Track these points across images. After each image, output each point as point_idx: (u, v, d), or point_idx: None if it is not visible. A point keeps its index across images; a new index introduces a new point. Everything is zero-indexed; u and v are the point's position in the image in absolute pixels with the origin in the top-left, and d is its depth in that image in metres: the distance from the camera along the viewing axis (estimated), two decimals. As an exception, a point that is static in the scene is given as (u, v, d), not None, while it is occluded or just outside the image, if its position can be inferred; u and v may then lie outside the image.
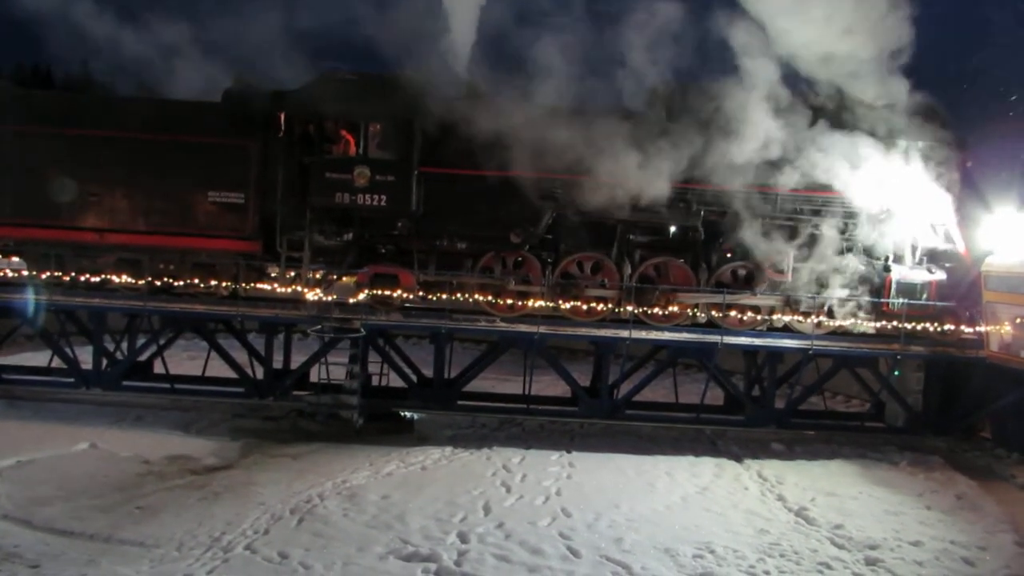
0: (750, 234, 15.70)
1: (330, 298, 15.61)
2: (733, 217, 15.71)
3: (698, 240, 16.25)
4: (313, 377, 16.14)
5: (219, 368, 17.07)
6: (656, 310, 16.07)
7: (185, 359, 19.64)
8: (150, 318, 16.77)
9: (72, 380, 16.61)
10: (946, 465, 14.94)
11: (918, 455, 15.30)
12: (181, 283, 15.99)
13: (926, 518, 12.34)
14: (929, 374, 16.40)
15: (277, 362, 17.00)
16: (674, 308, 16.08)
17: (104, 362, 16.63)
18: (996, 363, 15.18)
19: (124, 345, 17.39)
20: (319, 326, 15.27)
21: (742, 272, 16.37)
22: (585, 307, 15.97)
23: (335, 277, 16.05)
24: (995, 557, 11.04)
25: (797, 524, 11.94)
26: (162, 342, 16.95)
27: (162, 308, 16.09)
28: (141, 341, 17.10)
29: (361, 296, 15.84)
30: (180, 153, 15.61)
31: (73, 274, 16.09)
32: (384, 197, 15.45)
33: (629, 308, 15.84)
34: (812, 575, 10.32)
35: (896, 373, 16.44)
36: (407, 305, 16.29)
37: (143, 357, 17.19)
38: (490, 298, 16.16)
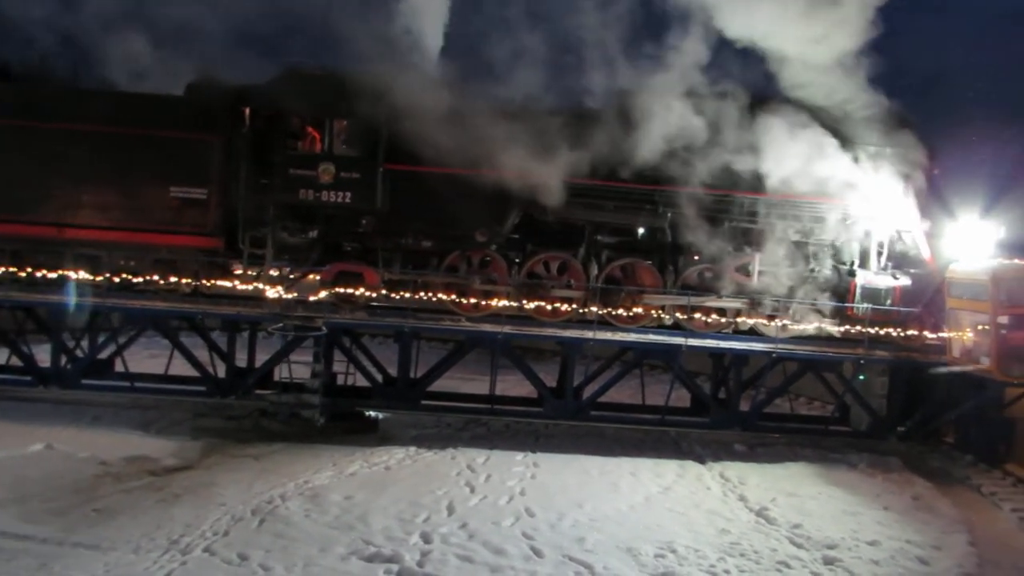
0: (717, 237, 15.80)
1: (291, 295, 15.43)
2: (700, 220, 15.78)
3: (665, 242, 16.31)
4: (277, 376, 15.96)
5: (183, 367, 16.83)
6: (621, 311, 16.12)
7: (146, 357, 19.33)
8: (109, 315, 16.48)
9: (29, 379, 16.26)
10: (903, 467, 15.18)
11: (876, 457, 15.50)
12: (141, 279, 15.74)
13: (883, 518, 12.53)
14: (893, 379, 16.45)
15: (241, 360, 16.79)
16: (639, 309, 16.13)
17: (64, 359, 16.34)
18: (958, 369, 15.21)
19: (85, 343, 17.08)
20: (280, 324, 15.10)
21: (708, 274, 16.39)
22: (550, 307, 15.97)
23: (299, 275, 15.89)
24: (949, 556, 11.26)
25: (758, 524, 12.08)
26: (122, 340, 16.67)
27: (122, 305, 15.83)
28: (102, 339, 16.81)
29: (323, 294, 15.69)
30: (141, 147, 15.39)
31: (30, 270, 15.77)
32: (349, 194, 15.36)
33: (594, 309, 15.86)
34: (771, 574, 10.45)
35: (861, 377, 16.50)
36: (373, 304, 16.18)
37: (103, 355, 16.89)
38: (454, 297, 16.10)
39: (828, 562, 10.83)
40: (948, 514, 12.93)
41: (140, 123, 15.36)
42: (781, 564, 10.68)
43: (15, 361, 16.43)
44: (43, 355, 16.51)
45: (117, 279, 15.68)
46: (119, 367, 16.90)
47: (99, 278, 15.59)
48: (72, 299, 15.34)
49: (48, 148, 15.38)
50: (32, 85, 16.28)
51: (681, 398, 17.46)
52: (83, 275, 15.64)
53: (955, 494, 14.02)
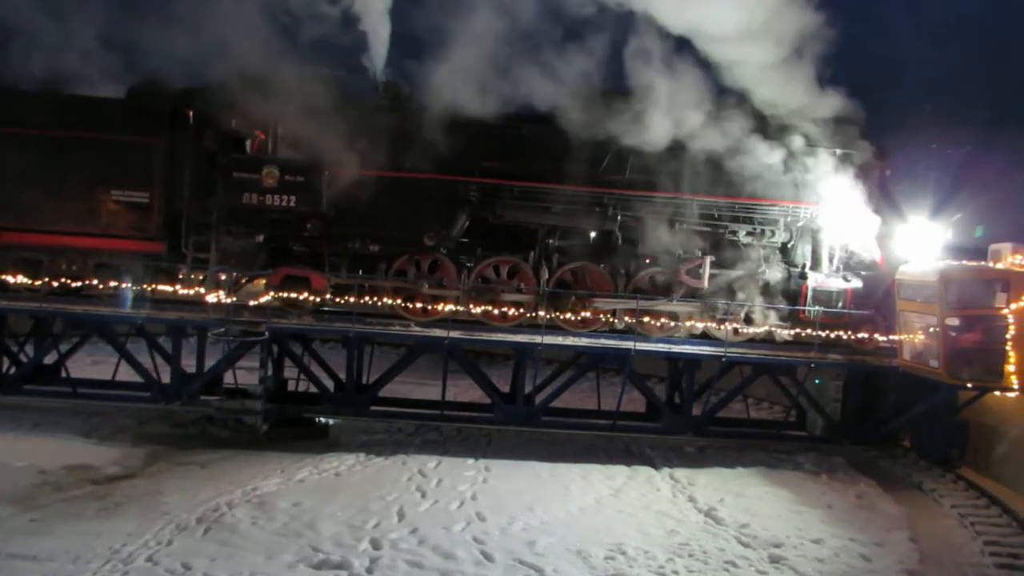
0: (667, 240, 15.87)
1: (231, 300, 15.15)
2: (650, 223, 15.88)
3: (616, 245, 16.35)
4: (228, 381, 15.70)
5: (130, 373, 16.42)
6: (569, 315, 16.11)
7: (89, 364, 18.86)
8: (51, 320, 16.08)
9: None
10: (848, 466, 15.41)
11: (822, 457, 15.70)
12: (79, 284, 15.42)
13: (827, 517, 12.75)
14: (848, 382, 16.47)
15: (190, 367, 16.47)
16: (587, 314, 16.14)
17: (7, 365, 15.95)
18: (909, 372, 15.26)
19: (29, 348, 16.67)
20: (222, 329, 14.84)
21: (660, 278, 16.41)
22: (497, 312, 15.91)
23: (243, 280, 15.62)
24: (891, 553, 11.50)
25: (706, 524, 12.22)
26: (63, 346, 16.25)
27: (63, 310, 15.46)
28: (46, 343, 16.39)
29: (264, 299, 15.45)
30: (82, 150, 15.14)
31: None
32: (293, 198, 15.18)
33: (543, 313, 15.82)
34: (720, 574, 10.58)
35: (816, 381, 16.51)
36: (325, 308, 15.98)
37: (47, 360, 16.47)
38: (399, 301, 15.97)
39: (774, 560, 11.00)
40: (890, 512, 13.18)
41: (81, 126, 15.09)
42: (729, 564, 10.83)
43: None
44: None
45: (55, 283, 15.32)
46: (61, 373, 16.53)
47: (37, 283, 15.20)
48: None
49: None
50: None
51: (637, 401, 17.51)
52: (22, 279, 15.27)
53: (897, 492, 14.27)
